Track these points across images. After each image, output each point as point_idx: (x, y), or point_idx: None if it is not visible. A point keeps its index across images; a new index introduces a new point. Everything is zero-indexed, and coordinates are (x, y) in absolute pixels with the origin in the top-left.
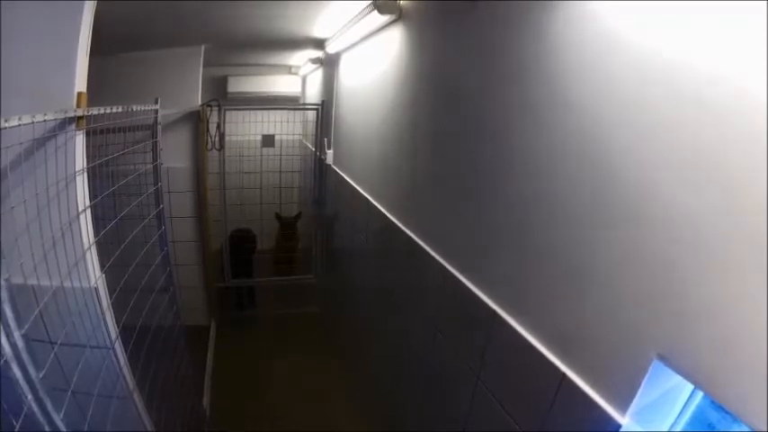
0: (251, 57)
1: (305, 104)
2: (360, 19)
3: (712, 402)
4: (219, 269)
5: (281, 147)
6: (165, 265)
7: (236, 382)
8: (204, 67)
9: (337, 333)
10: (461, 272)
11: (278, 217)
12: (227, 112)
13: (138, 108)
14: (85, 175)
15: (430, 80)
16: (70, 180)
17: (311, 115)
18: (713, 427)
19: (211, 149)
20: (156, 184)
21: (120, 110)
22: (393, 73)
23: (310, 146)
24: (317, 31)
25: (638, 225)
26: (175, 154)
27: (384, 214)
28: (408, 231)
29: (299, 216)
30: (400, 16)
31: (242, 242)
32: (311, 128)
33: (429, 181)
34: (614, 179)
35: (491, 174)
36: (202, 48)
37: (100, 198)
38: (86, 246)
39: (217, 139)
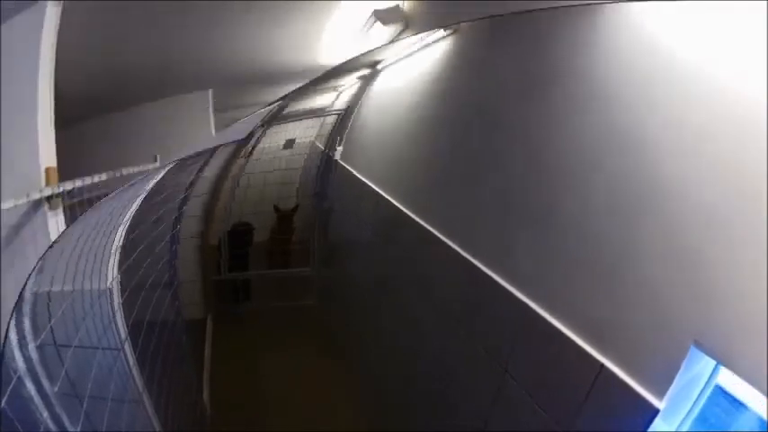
0: (268, 95)
1: (330, 110)
2: (363, 35)
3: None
4: (217, 262)
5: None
6: (172, 260)
7: (235, 377)
8: (221, 112)
9: (336, 327)
10: (486, 264)
11: (276, 209)
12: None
13: (133, 171)
14: None
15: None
16: None
17: (330, 120)
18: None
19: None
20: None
21: (104, 177)
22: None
23: (320, 145)
24: (323, 59)
25: (673, 217)
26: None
27: (396, 206)
28: (423, 222)
29: (296, 209)
30: (407, 26)
31: (240, 235)
32: (327, 130)
33: (453, 171)
34: (652, 173)
35: (524, 165)
36: (209, 92)
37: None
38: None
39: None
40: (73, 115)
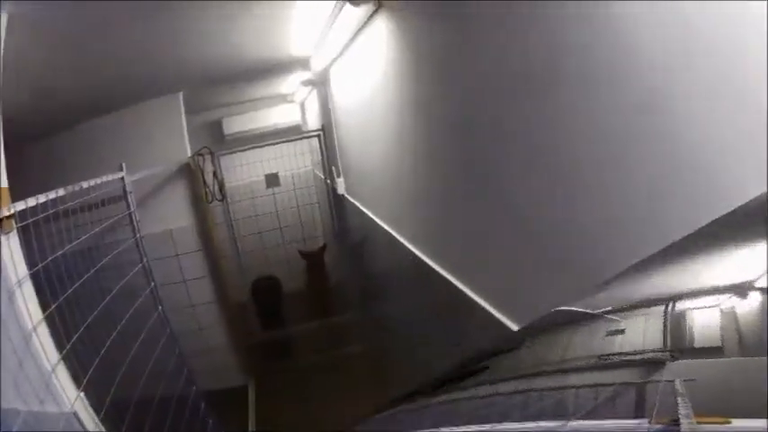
0: (241, 93)
1: (304, 133)
2: (333, 20)
3: None
4: (247, 324)
5: (289, 181)
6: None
7: None
8: (192, 114)
9: (389, 372)
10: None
11: (302, 254)
12: (222, 158)
13: (95, 183)
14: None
15: (440, 76)
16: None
17: (315, 144)
18: None
19: (212, 201)
20: (141, 259)
21: (62, 193)
22: (391, 78)
23: (321, 175)
24: (295, 49)
25: None
26: (176, 213)
27: (410, 250)
28: (440, 269)
29: (324, 248)
30: (380, 6)
31: (267, 291)
32: (318, 157)
33: (460, 201)
34: None
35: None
36: (180, 95)
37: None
38: (50, 365)
39: (216, 188)
40: (26, 132)
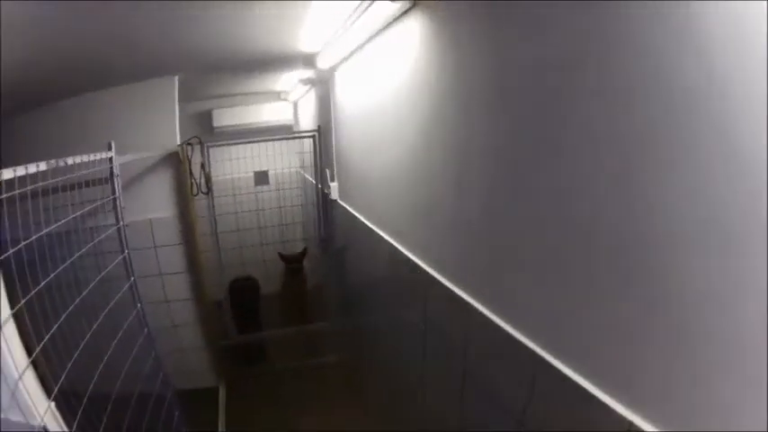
0: (235, 86)
1: (299, 132)
2: (358, 16)
3: None
4: (222, 324)
5: (275, 180)
6: (150, 349)
7: None
8: (184, 102)
9: (364, 384)
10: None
11: (282, 257)
12: (212, 150)
13: (81, 160)
14: None
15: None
16: None
17: (307, 145)
18: None
19: (197, 194)
20: (122, 251)
21: (43, 167)
22: (414, 79)
23: (310, 178)
24: (303, 45)
25: None
26: (159, 203)
27: (412, 260)
28: (448, 283)
29: (304, 252)
30: (415, 3)
31: (244, 292)
32: (309, 159)
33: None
34: None
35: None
36: (176, 78)
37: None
38: (17, 375)
39: (202, 181)
40: (12, 104)
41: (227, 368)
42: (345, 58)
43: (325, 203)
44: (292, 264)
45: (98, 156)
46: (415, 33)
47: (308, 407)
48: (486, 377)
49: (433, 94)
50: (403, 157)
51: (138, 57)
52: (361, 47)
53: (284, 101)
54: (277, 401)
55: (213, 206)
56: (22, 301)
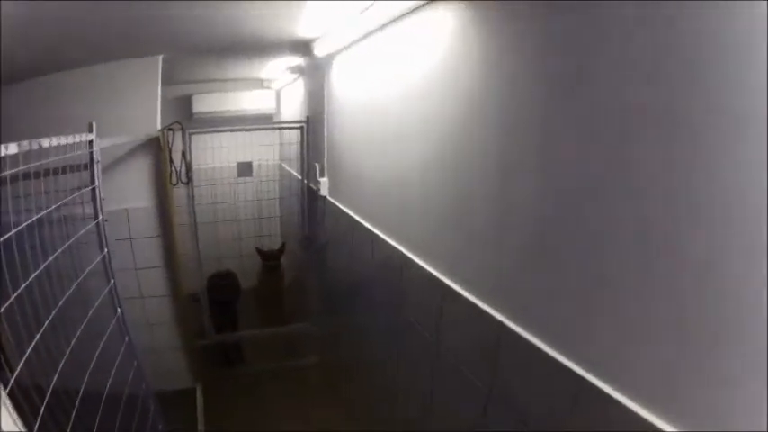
0: (217, 70)
1: (286, 123)
2: (371, 3)
3: None
4: (200, 323)
5: (256, 173)
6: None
7: None
8: (165, 86)
9: (345, 386)
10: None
11: (260, 252)
12: (194, 137)
13: (57, 142)
14: None
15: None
16: None
17: (292, 136)
18: None
19: (177, 184)
20: (101, 248)
21: (14, 150)
22: (444, 74)
23: (294, 172)
24: (301, 30)
25: None
26: (136, 192)
27: (412, 260)
28: (454, 285)
29: (282, 248)
30: None
31: (223, 290)
32: (294, 150)
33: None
34: None
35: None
36: (159, 58)
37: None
38: None
39: (183, 170)
40: None
41: (204, 370)
42: (346, 47)
43: (310, 199)
44: (270, 260)
45: (77, 138)
46: (447, 23)
47: (288, 408)
48: (512, 393)
49: (473, 90)
50: (428, 156)
51: (120, 33)
52: (368, 35)
53: (267, 89)
54: (257, 403)
55: (193, 196)
56: None
